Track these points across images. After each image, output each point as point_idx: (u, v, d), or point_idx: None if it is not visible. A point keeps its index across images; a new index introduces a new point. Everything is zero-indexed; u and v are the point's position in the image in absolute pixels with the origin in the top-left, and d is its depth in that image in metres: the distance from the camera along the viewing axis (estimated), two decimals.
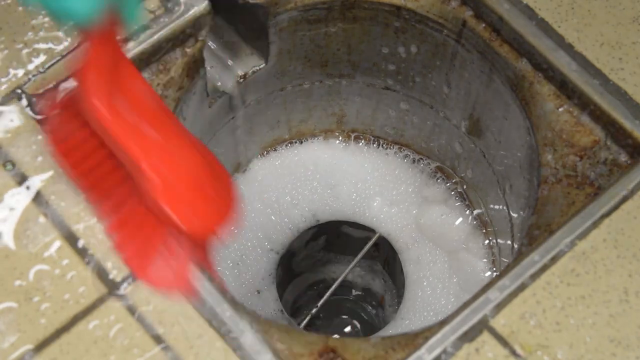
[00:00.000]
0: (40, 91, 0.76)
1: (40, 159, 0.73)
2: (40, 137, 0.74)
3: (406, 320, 1.00)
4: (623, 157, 0.78)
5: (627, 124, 0.77)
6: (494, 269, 1.00)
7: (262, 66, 0.94)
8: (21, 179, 0.73)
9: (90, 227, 0.71)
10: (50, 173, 0.73)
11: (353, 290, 1.15)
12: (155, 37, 0.79)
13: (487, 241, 1.02)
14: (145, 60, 0.79)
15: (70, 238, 0.71)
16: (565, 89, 0.80)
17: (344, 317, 1.18)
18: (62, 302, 0.68)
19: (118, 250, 0.70)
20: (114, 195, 0.69)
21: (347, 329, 1.18)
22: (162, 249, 0.68)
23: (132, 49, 0.78)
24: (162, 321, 0.68)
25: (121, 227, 0.70)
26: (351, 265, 1.06)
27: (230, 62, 0.93)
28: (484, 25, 0.84)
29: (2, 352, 0.67)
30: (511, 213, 0.93)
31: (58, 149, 0.70)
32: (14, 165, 0.73)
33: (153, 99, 0.68)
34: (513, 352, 0.68)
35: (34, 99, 0.76)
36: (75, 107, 0.65)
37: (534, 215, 0.76)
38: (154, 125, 0.67)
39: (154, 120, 0.67)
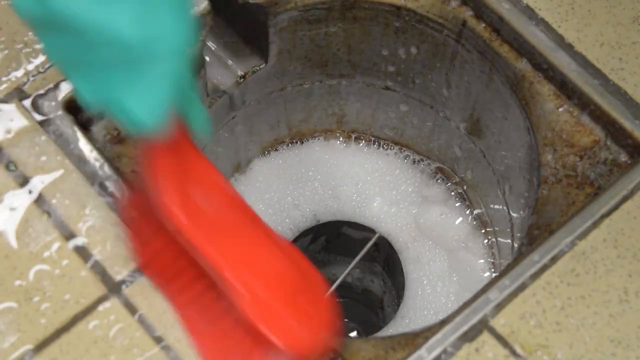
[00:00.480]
0: (41, 91, 0.76)
1: (41, 159, 0.73)
2: (43, 137, 0.74)
3: (406, 320, 1.00)
4: (623, 157, 0.78)
5: (627, 124, 0.77)
6: (494, 269, 1.00)
7: (262, 66, 0.94)
8: (23, 180, 0.73)
9: (91, 227, 0.71)
10: (52, 174, 0.73)
11: (353, 291, 1.15)
12: None
13: (486, 241, 1.02)
14: None
15: (71, 238, 0.71)
16: (565, 89, 0.80)
17: (344, 317, 1.18)
18: (62, 302, 0.68)
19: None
20: (202, 307, 0.63)
21: (347, 329, 1.18)
22: None
23: None
24: (163, 321, 0.68)
25: (217, 345, 0.63)
26: (351, 265, 1.06)
27: (230, 62, 0.93)
28: (484, 25, 0.84)
29: (2, 352, 0.67)
30: (511, 213, 0.93)
31: (142, 256, 0.65)
32: (16, 166, 0.73)
33: (233, 198, 0.62)
34: (513, 352, 0.68)
35: (33, 99, 0.76)
36: (150, 209, 0.60)
37: (534, 215, 0.76)
38: (235, 227, 0.61)
39: (235, 221, 0.61)
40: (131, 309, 0.69)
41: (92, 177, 0.73)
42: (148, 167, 0.58)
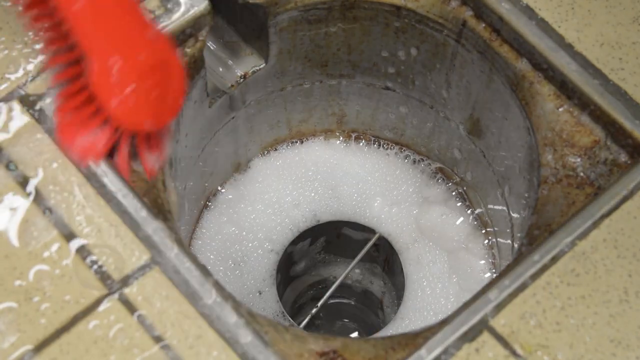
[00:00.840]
0: (41, 91, 0.76)
1: (41, 159, 0.74)
2: (43, 137, 0.74)
3: (406, 320, 1.00)
4: (623, 157, 0.78)
5: (627, 124, 0.77)
6: (494, 269, 1.00)
7: (262, 66, 0.94)
8: (22, 180, 0.73)
9: (91, 227, 0.71)
10: (52, 174, 0.73)
11: (353, 292, 1.15)
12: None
13: (487, 241, 1.02)
14: None
15: (71, 238, 0.71)
16: (565, 89, 0.80)
17: (344, 317, 1.18)
18: (62, 302, 0.68)
19: (57, 115, 0.73)
20: (70, 67, 0.70)
21: (347, 329, 1.18)
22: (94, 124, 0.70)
23: None
24: (163, 321, 0.68)
25: (67, 97, 0.71)
26: (351, 265, 1.06)
27: (230, 62, 0.93)
28: (484, 25, 0.84)
29: (2, 352, 0.67)
30: (511, 213, 0.93)
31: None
32: (16, 166, 0.73)
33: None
34: (513, 352, 0.68)
35: (33, 99, 0.76)
36: None
37: (534, 215, 0.76)
38: (115, 16, 0.69)
39: (116, 12, 0.69)
40: (131, 308, 0.69)
41: (92, 176, 0.73)
42: None
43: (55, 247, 0.70)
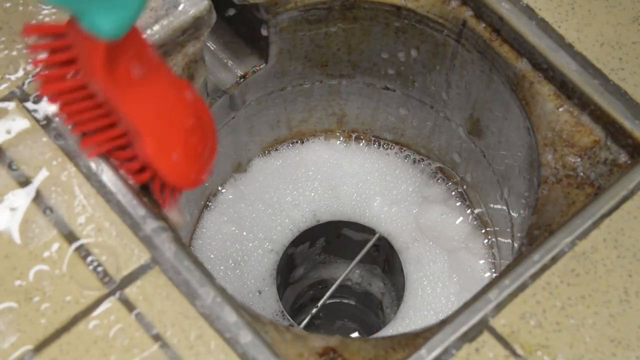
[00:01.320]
0: (39, 92, 0.76)
1: (42, 159, 0.74)
2: (43, 137, 0.74)
3: (406, 320, 1.00)
4: (623, 157, 0.78)
5: (627, 124, 0.77)
6: (494, 269, 1.00)
7: (262, 66, 0.94)
8: (23, 180, 0.73)
9: (91, 227, 0.71)
10: (53, 174, 0.73)
11: (353, 292, 1.15)
12: (156, 37, 0.79)
13: (487, 241, 1.02)
14: None
15: (71, 238, 0.71)
16: (566, 89, 0.80)
17: (344, 317, 1.18)
18: (62, 302, 0.68)
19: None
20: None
21: (347, 329, 1.18)
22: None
23: None
24: (162, 321, 0.68)
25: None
26: (352, 265, 1.06)
27: (230, 62, 0.93)
28: (484, 25, 0.84)
29: (2, 352, 0.67)
30: (511, 213, 0.93)
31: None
32: (17, 165, 0.73)
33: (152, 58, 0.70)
34: (513, 352, 0.68)
35: (34, 99, 0.76)
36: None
37: (534, 215, 0.76)
38: (149, 82, 0.69)
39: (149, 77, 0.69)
40: (131, 309, 0.69)
41: (92, 176, 0.73)
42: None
43: (55, 247, 0.70)
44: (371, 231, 1.05)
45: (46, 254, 0.70)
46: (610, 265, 0.72)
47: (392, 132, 1.07)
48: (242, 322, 0.68)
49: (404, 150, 1.08)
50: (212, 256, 1.03)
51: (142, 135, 0.68)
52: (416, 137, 1.06)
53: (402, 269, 1.03)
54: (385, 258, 1.08)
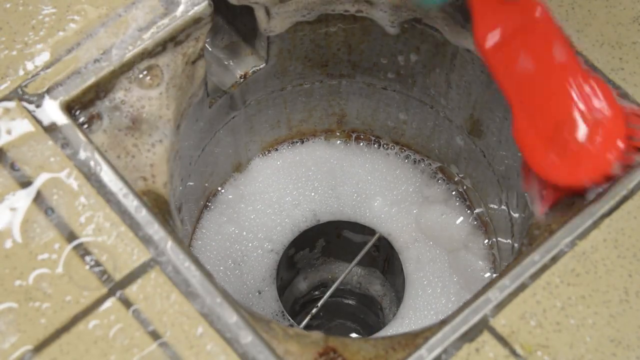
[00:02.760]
0: (41, 91, 0.76)
1: (42, 159, 0.74)
2: (43, 138, 0.74)
3: (406, 320, 1.00)
4: None
5: None
6: (494, 269, 1.00)
7: (262, 66, 0.94)
8: (24, 180, 0.73)
9: (91, 227, 0.71)
10: (53, 174, 0.73)
11: (353, 292, 1.15)
12: (156, 36, 0.79)
13: (487, 241, 1.02)
14: (145, 59, 0.79)
15: (71, 238, 0.71)
16: None
17: (344, 318, 1.18)
18: (62, 302, 0.69)
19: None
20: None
21: (347, 329, 1.18)
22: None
23: (133, 48, 0.78)
24: (162, 321, 0.68)
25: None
26: (352, 265, 1.06)
27: (230, 62, 0.93)
28: None
29: (3, 352, 0.67)
30: (511, 213, 0.93)
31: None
32: (18, 166, 0.73)
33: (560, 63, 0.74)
34: (513, 352, 0.68)
35: (34, 99, 0.76)
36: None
37: (534, 215, 0.76)
38: (541, 77, 0.74)
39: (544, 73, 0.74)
40: (131, 309, 0.69)
41: (92, 176, 0.73)
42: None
43: (55, 247, 0.71)
44: (371, 231, 1.05)
45: (46, 254, 0.70)
46: (611, 265, 0.72)
47: (393, 132, 1.07)
48: (242, 322, 0.69)
49: (404, 151, 1.08)
50: (211, 256, 1.03)
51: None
52: (416, 137, 1.06)
53: (402, 269, 1.03)
54: (385, 258, 1.08)
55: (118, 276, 0.70)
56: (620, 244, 0.72)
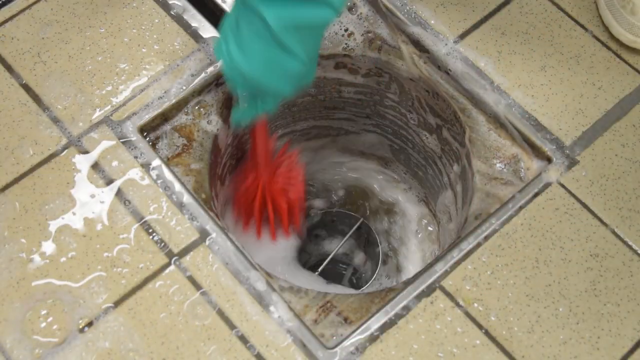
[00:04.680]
0: (121, 118, 0.76)
1: (121, 166, 0.74)
2: (122, 151, 0.74)
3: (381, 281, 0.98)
4: (535, 165, 0.77)
5: (536, 141, 0.77)
6: (442, 247, 0.98)
7: None
8: (108, 181, 0.73)
9: (157, 214, 0.71)
10: (129, 177, 0.73)
11: (344, 260, 1.13)
12: (204, 80, 0.79)
13: (436, 227, 1.00)
14: (196, 96, 0.79)
15: (143, 223, 0.71)
16: (496, 118, 0.80)
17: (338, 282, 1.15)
18: (137, 269, 0.69)
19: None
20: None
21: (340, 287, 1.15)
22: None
23: (187, 88, 0.78)
24: (207, 282, 0.69)
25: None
26: (342, 241, 1.04)
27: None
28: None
29: (97, 305, 0.67)
30: (456, 205, 0.92)
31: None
32: (104, 171, 0.74)
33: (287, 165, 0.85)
34: (457, 304, 0.69)
35: (118, 124, 0.76)
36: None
37: (471, 207, 0.76)
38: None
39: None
40: (186, 273, 0.69)
41: (157, 177, 0.73)
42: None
43: (132, 229, 0.71)
44: (357, 218, 1.04)
45: (125, 234, 0.70)
46: (526, 242, 0.72)
47: None
48: (268, 288, 0.68)
49: None
50: None
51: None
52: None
53: (378, 243, 1.02)
54: (366, 237, 1.07)
55: (176, 250, 0.70)
56: (532, 227, 0.72)
